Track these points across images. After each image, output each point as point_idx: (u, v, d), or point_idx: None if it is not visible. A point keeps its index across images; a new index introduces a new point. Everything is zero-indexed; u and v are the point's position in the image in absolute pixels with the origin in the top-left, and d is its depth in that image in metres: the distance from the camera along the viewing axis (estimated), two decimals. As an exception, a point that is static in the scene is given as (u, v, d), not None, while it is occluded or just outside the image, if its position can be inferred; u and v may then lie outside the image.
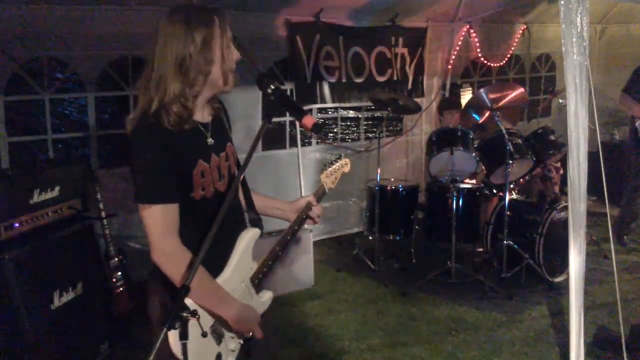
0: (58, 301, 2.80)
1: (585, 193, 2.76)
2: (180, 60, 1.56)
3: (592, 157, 2.78)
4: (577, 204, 2.76)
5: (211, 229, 1.40)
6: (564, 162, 4.25)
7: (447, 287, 4.18)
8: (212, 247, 1.39)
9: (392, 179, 5.09)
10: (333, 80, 5.22)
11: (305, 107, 4.95)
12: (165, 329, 1.31)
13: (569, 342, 2.84)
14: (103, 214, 3.48)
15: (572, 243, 2.78)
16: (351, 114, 5.83)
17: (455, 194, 4.23)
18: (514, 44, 6.56)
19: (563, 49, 2.70)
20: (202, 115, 1.71)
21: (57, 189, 2.93)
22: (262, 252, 1.84)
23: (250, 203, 1.89)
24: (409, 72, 5.83)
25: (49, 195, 2.88)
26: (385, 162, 5.23)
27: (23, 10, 3.53)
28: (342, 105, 5.49)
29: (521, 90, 4.41)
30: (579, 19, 2.65)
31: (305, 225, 1.99)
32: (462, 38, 6.06)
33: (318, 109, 5.34)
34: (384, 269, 4.65)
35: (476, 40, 6.13)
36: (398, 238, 4.76)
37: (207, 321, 1.63)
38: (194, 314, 1.38)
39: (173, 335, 1.43)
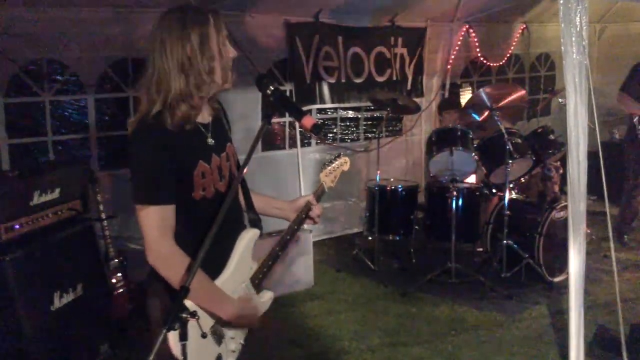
0: (58, 302, 2.80)
1: (585, 192, 2.76)
2: (180, 63, 1.57)
3: (592, 157, 2.78)
4: (576, 204, 2.76)
5: (211, 230, 1.40)
6: (563, 161, 4.24)
7: (447, 287, 4.18)
8: (212, 247, 1.40)
9: (392, 179, 5.09)
10: (332, 80, 5.22)
11: (305, 108, 4.95)
12: (164, 330, 1.31)
13: (568, 341, 2.84)
14: (103, 216, 3.49)
15: (572, 242, 2.79)
16: (350, 114, 5.84)
17: (455, 193, 4.23)
18: (514, 44, 6.57)
19: (562, 48, 2.70)
20: (202, 115, 1.71)
21: (57, 190, 2.93)
22: (262, 253, 1.84)
23: (250, 203, 1.89)
24: (409, 72, 5.83)
25: (49, 196, 2.88)
26: (384, 162, 5.23)
27: (23, 12, 3.53)
28: (342, 105, 5.49)
29: (521, 90, 4.41)
30: (578, 18, 2.65)
31: (305, 226, 2.00)
32: (461, 38, 6.06)
33: (317, 109, 5.34)
34: (384, 269, 4.65)
35: (475, 40, 6.13)
36: (398, 238, 4.76)
37: (207, 322, 1.63)
38: (193, 315, 1.38)
39: (173, 337, 1.43)
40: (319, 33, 5.03)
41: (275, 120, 4.96)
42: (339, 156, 2.13)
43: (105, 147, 4.89)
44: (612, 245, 2.96)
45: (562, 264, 4.16)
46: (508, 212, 4.14)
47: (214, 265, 1.67)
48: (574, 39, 2.66)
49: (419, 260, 4.73)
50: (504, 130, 4.11)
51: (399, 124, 6.31)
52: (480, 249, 4.66)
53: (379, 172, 4.66)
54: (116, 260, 3.50)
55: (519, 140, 4.32)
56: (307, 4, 4.75)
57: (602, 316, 3.65)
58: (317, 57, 5.06)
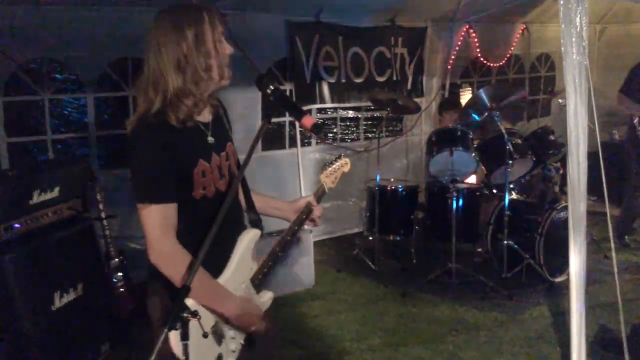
0: (58, 302, 2.80)
1: (585, 193, 2.76)
2: (176, 59, 1.57)
3: (592, 157, 2.78)
4: (577, 204, 2.76)
5: (211, 230, 1.40)
6: (563, 162, 4.24)
7: (447, 287, 4.18)
8: (212, 247, 1.39)
9: (392, 179, 5.09)
10: (332, 80, 5.22)
11: (305, 108, 4.95)
12: (166, 330, 1.31)
13: (570, 342, 2.83)
14: (103, 215, 3.49)
15: (572, 243, 2.78)
16: (351, 114, 5.83)
17: (455, 194, 4.22)
18: (514, 44, 6.56)
19: (562, 48, 2.69)
20: (203, 114, 1.71)
21: (57, 189, 2.93)
22: (262, 253, 1.84)
23: (250, 203, 1.88)
24: (409, 72, 5.83)
25: (48, 195, 2.88)
26: (385, 162, 5.22)
27: (22, 11, 3.53)
28: (342, 105, 5.49)
29: (521, 90, 4.41)
30: (578, 19, 2.65)
31: (306, 227, 1.99)
32: (461, 38, 6.06)
33: (317, 109, 5.34)
34: (384, 269, 4.65)
35: (476, 40, 6.12)
36: (398, 238, 4.75)
37: (208, 322, 1.63)
38: (194, 314, 1.38)
39: (174, 336, 1.43)
40: (319, 33, 5.03)
41: (275, 119, 4.95)
42: (339, 157, 2.13)
43: (105, 146, 4.90)
44: (612, 245, 2.96)
45: (562, 265, 4.15)
46: (508, 213, 4.13)
47: (215, 266, 1.67)
48: (574, 39, 2.65)
49: (420, 260, 4.72)
50: (504, 131, 4.11)
51: (399, 124, 6.31)
52: (481, 250, 4.66)
53: (379, 172, 4.66)
54: (116, 259, 3.50)
55: (519, 141, 4.32)
56: (307, 3, 4.74)
57: (603, 316, 3.64)
58: (318, 56, 5.05)
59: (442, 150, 4.19)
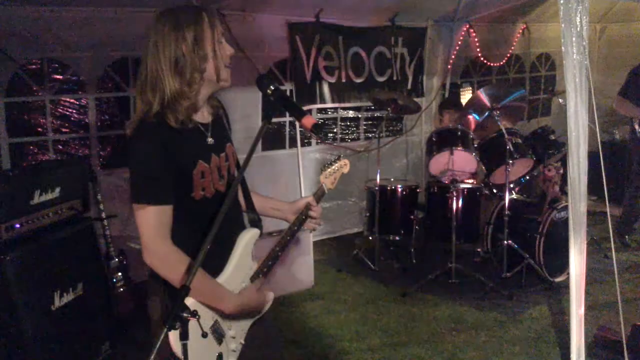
0: (58, 302, 2.80)
1: (585, 193, 2.76)
2: (174, 61, 1.57)
3: (592, 157, 2.78)
4: (577, 204, 2.76)
5: (211, 230, 1.40)
6: (564, 161, 4.25)
7: (447, 287, 4.18)
8: (211, 247, 1.40)
9: (392, 179, 5.09)
10: (333, 80, 5.22)
11: (305, 108, 4.95)
12: (165, 329, 1.31)
13: (569, 342, 2.83)
14: (103, 215, 3.49)
15: (573, 243, 2.78)
16: (351, 114, 5.83)
17: (455, 194, 4.23)
18: (514, 44, 6.56)
19: (563, 48, 2.69)
20: (202, 115, 1.72)
21: (57, 189, 2.93)
22: (261, 253, 1.84)
23: (250, 203, 1.89)
24: (409, 72, 5.83)
25: (49, 196, 2.88)
26: (385, 162, 5.23)
27: (24, 12, 3.53)
28: (342, 105, 5.48)
29: (521, 89, 4.41)
30: (578, 18, 2.65)
31: (306, 229, 1.99)
32: (461, 38, 6.06)
33: (318, 109, 5.34)
34: (384, 269, 4.65)
35: (476, 39, 6.12)
36: (398, 238, 4.76)
37: (208, 321, 1.63)
38: (194, 314, 1.38)
39: (173, 336, 1.44)
40: (320, 33, 5.03)
41: (275, 119, 4.96)
42: (339, 158, 2.13)
43: (105, 147, 4.90)
44: (612, 245, 2.96)
45: (562, 265, 4.16)
46: (508, 213, 4.14)
47: (214, 265, 1.67)
48: (574, 39, 2.65)
49: (420, 260, 4.72)
50: (504, 130, 4.11)
51: (399, 123, 6.31)
52: (481, 249, 4.66)
53: (379, 172, 4.66)
54: (116, 259, 3.51)
55: (519, 140, 4.32)
56: (308, 3, 4.75)
57: (603, 316, 3.64)
58: (318, 56, 5.05)
59: (442, 150, 4.20)
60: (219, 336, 1.67)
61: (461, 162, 4.21)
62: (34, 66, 3.99)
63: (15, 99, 4.03)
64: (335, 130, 5.78)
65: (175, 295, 1.38)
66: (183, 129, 1.60)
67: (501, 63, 6.60)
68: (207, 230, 1.41)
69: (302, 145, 5.32)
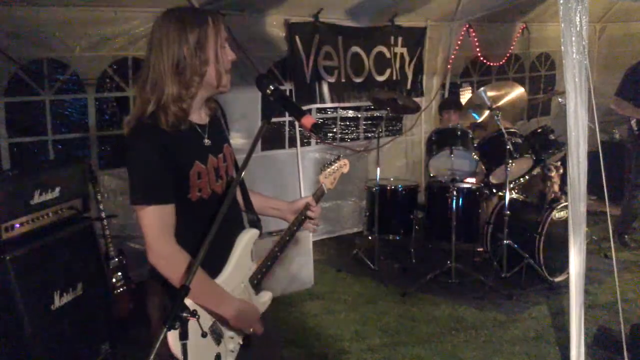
0: (58, 302, 2.80)
1: (585, 192, 2.76)
2: (175, 62, 1.57)
3: (592, 157, 2.78)
4: (577, 204, 2.76)
5: (210, 230, 1.40)
6: (563, 161, 4.25)
7: (447, 287, 4.19)
8: (210, 248, 1.39)
9: (392, 179, 5.09)
10: (332, 80, 5.22)
11: (305, 107, 4.95)
12: (165, 329, 1.31)
13: (569, 341, 2.84)
14: (103, 215, 3.49)
15: (572, 243, 2.79)
16: (350, 113, 5.83)
17: (455, 193, 4.23)
18: (514, 43, 6.56)
19: (562, 48, 2.69)
20: (200, 116, 1.71)
21: (57, 189, 2.93)
22: (261, 253, 1.84)
23: (249, 204, 1.89)
24: (408, 72, 5.83)
25: (49, 196, 2.88)
26: (384, 162, 5.22)
27: (23, 12, 3.53)
28: (342, 105, 5.48)
29: (521, 89, 4.41)
30: (578, 18, 2.65)
31: (306, 229, 1.99)
32: (461, 37, 6.06)
33: (317, 109, 5.34)
34: (384, 269, 4.65)
35: (475, 39, 6.12)
36: (398, 238, 4.76)
37: (207, 321, 1.63)
38: (193, 314, 1.38)
39: (173, 336, 1.44)
40: (319, 33, 5.03)
41: (275, 119, 4.96)
42: (338, 158, 2.13)
43: (105, 146, 4.90)
44: (612, 245, 2.96)
45: (562, 264, 4.16)
46: (508, 212, 4.14)
47: (213, 266, 1.67)
48: (574, 38, 2.66)
49: (419, 260, 4.72)
50: (503, 130, 4.11)
51: (399, 123, 6.31)
52: (481, 249, 4.66)
53: (378, 171, 4.66)
54: (116, 259, 3.51)
55: (519, 140, 4.32)
56: (307, 3, 4.75)
57: (603, 316, 3.65)
58: (317, 56, 5.05)
59: (442, 150, 4.20)
60: (218, 336, 1.67)
61: (461, 162, 4.22)
62: (34, 66, 3.99)
63: (15, 99, 4.02)
64: (334, 130, 5.78)
65: (175, 295, 1.38)
66: (179, 130, 1.60)
67: (501, 63, 6.59)
68: (204, 231, 1.41)
69: (302, 145, 5.32)
